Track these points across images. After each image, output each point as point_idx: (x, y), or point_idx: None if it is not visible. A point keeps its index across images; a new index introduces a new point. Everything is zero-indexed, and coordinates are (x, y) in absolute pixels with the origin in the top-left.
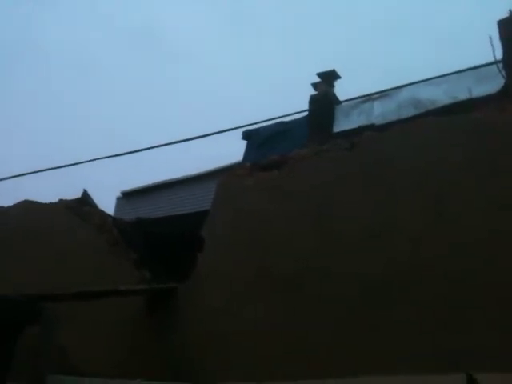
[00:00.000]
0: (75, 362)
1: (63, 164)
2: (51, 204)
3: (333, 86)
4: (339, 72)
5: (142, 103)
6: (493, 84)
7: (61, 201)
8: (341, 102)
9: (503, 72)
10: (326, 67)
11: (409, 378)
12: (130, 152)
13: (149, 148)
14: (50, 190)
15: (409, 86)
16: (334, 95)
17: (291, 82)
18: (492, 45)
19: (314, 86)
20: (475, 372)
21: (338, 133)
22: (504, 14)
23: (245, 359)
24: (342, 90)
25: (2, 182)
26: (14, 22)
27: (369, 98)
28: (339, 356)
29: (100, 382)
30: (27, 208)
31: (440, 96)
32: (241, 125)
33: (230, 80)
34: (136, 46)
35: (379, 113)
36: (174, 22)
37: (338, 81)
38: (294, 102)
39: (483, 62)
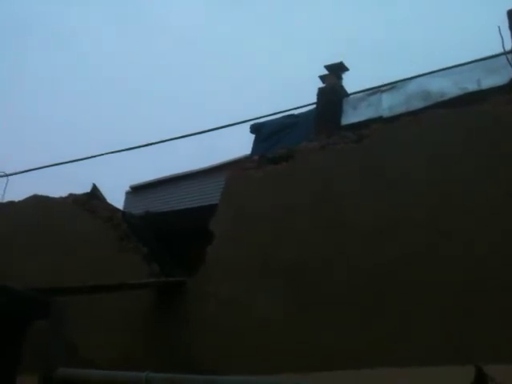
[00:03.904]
0: (84, 356)
1: (73, 159)
2: (60, 198)
3: (341, 79)
4: (345, 61)
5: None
6: (502, 75)
7: (70, 195)
8: (349, 95)
9: None
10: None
11: (416, 369)
12: (138, 146)
13: (157, 142)
14: (58, 185)
15: (417, 78)
16: (342, 87)
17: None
18: (501, 36)
19: (322, 78)
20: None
21: (346, 125)
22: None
23: (255, 353)
24: (350, 83)
25: (11, 176)
26: None
27: (377, 90)
28: (346, 349)
29: (108, 373)
30: (36, 203)
31: (449, 88)
32: (249, 118)
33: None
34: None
35: (387, 105)
36: None
37: (346, 73)
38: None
39: (493, 53)
